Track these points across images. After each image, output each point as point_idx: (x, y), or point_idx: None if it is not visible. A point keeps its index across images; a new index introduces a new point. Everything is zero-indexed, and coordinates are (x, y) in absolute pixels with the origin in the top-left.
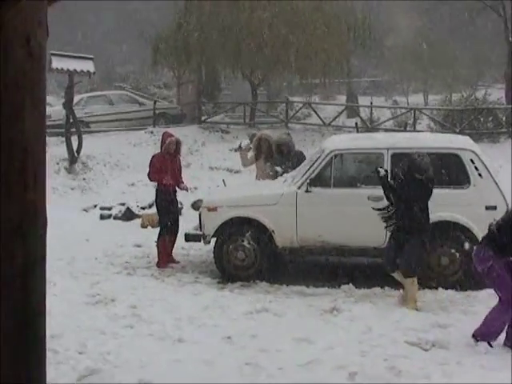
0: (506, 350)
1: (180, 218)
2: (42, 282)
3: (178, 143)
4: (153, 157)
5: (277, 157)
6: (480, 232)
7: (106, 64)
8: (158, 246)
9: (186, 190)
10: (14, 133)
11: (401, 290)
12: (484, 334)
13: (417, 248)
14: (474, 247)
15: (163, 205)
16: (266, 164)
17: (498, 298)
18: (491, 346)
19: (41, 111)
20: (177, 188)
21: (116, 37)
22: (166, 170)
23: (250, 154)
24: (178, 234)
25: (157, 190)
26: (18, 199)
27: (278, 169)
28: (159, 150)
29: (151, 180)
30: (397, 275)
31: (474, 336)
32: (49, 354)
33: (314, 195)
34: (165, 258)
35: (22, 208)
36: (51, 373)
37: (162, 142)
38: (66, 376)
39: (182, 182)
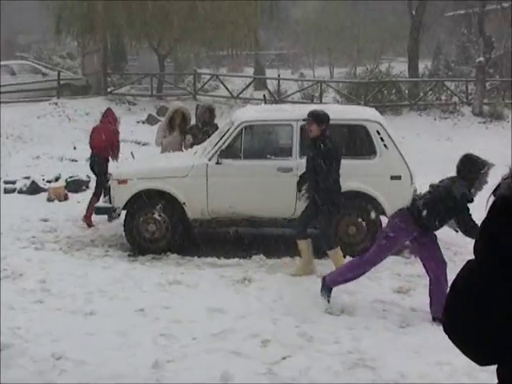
0: (409, 313)
1: (88, 191)
2: None
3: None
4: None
5: (199, 126)
6: (385, 201)
7: (6, 33)
8: (91, 202)
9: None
10: None
11: (298, 258)
12: (332, 279)
13: (327, 223)
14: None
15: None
16: (181, 136)
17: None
18: (330, 291)
19: None
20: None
21: (18, 5)
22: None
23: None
24: None
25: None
26: None
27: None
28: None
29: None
30: (300, 243)
31: (323, 278)
32: None
33: (224, 167)
34: (90, 216)
35: None
36: None
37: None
38: None
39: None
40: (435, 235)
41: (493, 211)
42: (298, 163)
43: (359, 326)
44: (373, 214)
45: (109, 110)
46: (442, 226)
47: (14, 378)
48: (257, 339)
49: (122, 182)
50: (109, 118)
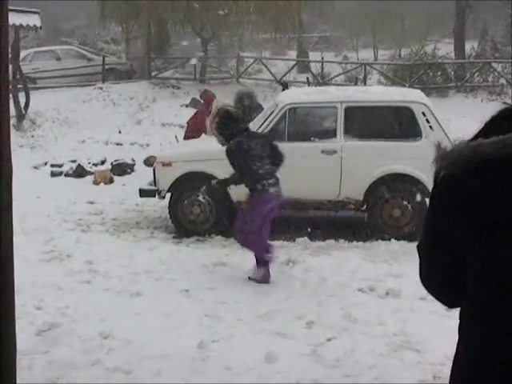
0: None
1: (133, 174)
2: (9, 229)
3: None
4: None
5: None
6: (431, 184)
7: (51, 19)
8: None
9: None
10: None
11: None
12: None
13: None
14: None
15: None
16: None
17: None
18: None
19: (4, 58)
20: None
21: None
22: None
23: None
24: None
25: None
26: None
27: None
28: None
29: None
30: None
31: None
32: None
33: None
34: None
35: None
36: None
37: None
38: (24, 331)
39: None
40: None
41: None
42: (343, 145)
43: (404, 309)
44: (418, 197)
45: (205, 91)
46: None
47: (63, 356)
48: (301, 321)
49: (167, 164)
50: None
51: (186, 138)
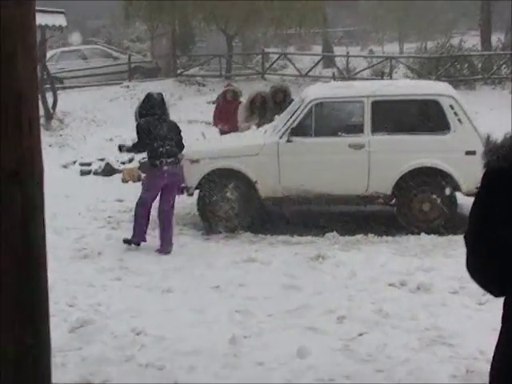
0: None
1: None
2: (41, 230)
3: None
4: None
5: (272, 107)
6: (460, 177)
7: (75, 18)
8: None
9: None
10: (8, 80)
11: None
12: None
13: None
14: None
15: None
16: (261, 120)
17: None
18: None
19: (32, 58)
20: None
21: None
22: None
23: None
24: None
25: None
26: (14, 146)
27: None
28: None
29: None
30: None
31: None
32: None
33: (295, 145)
34: None
35: (19, 155)
36: None
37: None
38: (58, 327)
39: None
40: None
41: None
42: (370, 139)
43: (436, 303)
44: (447, 191)
45: (228, 85)
46: None
47: (96, 353)
48: (332, 315)
49: (195, 161)
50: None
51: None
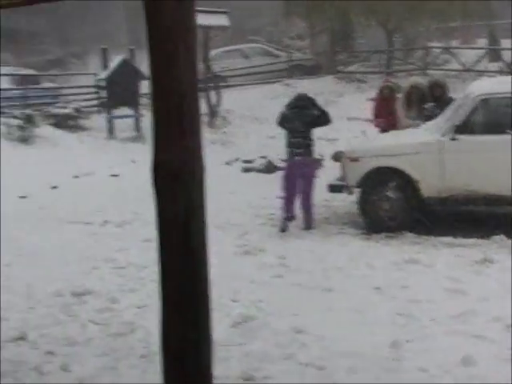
0: None
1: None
2: (202, 227)
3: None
4: None
5: (430, 102)
6: None
7: (237, 17)
8: None
9: None
10: (170, 80)
11: None
12: None
13: None
14: None
15: None
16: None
17: None
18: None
19: (193, 59)
20: None
21: None
22: None
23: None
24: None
25: None
26: (177, 145)
27: None
28: None
29: None
30: None
31: None
32: None
33: (460, 143)
34: None
35: (181, 154)
36: None
37: None
38: (220, 322)
39: None
40: None
41: None
42: None
43: None
44: None
45: (385, 81)
46: None
47: (257, 349)
48: (500, 323)
49: (354, 159)
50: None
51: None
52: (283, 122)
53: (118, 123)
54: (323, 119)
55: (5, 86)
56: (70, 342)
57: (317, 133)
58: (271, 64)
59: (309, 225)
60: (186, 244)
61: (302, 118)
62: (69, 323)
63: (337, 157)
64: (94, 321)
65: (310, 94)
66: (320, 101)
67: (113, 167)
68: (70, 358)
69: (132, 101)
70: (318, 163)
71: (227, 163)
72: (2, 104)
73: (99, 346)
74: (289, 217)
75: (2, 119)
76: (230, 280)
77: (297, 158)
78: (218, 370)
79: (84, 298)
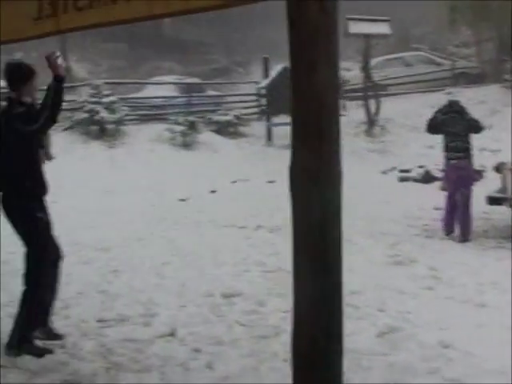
0: None
1: (481, 181)
2: (337, 233)
3: None
4: None
5: None
6: None
7: (400, 25)
8: None
9: None
10: (310, 87)
11: None
12: None
13: None
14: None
15: None
16: None
17: None
18: None
19: (334, 66)
20: None
21: None
22: None
23: None
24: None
25: None
26: (315, 149)
27: None
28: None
29: None
30: None
31: None
32: (349, 310)
33: None
34: None
35: (318, 158)
36: (350, 327)
37: None
38: (365, 331)
39: None
40: None
41: None
42: None
43: None
44: None
45: None
46: None
47: (401, 361)
48: None
49: None
50: None
51: None
52: (440, 126)
53: (277, 130)
54: (477, 126)
55: (170, 93)
56: (217, 341)
57: (480, 143)
58: (434, 72)
59: (465, 237)
60: (320, 246)
61: (461, 123)
62: (216, 323)
63: (498, 168)
64: (240, 322)
65: (475, 103)
66: (484, 110)
67: (269, 174)
68: (216, 356)
69: None
70: (478, 174)
71: (383, 172)
72: (168, 111)
73: (244, 347)
74: (448, 229)
75: (167, 125)
76: (378, 290)
77: (456, 161)
78: (360, 377)
79: (233, 299)
